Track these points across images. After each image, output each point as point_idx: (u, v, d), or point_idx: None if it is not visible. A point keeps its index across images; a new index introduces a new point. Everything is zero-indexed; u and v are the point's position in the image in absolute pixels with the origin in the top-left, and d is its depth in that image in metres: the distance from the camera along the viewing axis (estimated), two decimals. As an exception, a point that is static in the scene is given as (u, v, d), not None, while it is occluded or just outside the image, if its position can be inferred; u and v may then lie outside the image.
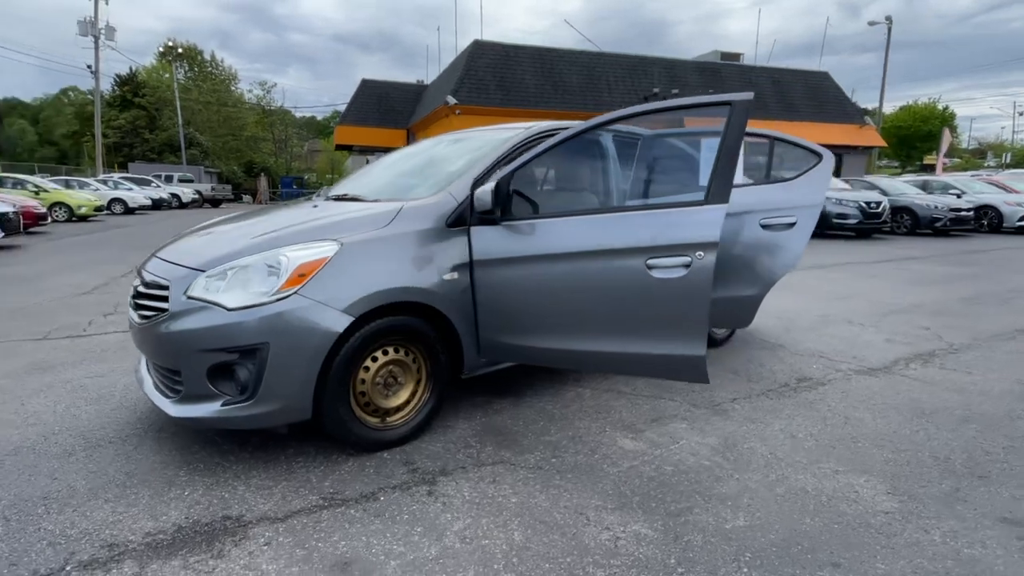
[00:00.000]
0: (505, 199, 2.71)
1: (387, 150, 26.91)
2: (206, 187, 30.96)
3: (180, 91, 36.93)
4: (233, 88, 45.43)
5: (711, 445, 2.69)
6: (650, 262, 2.51)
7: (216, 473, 2.38)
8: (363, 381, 2.53)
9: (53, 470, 2.39)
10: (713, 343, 4.25)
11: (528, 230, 2.69)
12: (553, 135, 2.96)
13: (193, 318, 2.29)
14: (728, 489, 2.30)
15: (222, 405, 2.29)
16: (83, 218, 17.26)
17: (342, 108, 24.03)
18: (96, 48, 27.55)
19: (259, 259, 2.35)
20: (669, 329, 2.53)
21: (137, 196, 22.16)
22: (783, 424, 2.93)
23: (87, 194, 19.15)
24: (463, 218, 2.75)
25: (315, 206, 3.10)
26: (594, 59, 17.37)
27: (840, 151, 19.95)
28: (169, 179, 29.07)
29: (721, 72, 18.99)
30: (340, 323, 2.33)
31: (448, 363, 2.76)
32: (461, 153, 3.27)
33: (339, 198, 3.32)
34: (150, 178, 26.47)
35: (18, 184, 17.36)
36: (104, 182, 23.06)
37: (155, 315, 2.42)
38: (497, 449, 2.63)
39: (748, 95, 2.54)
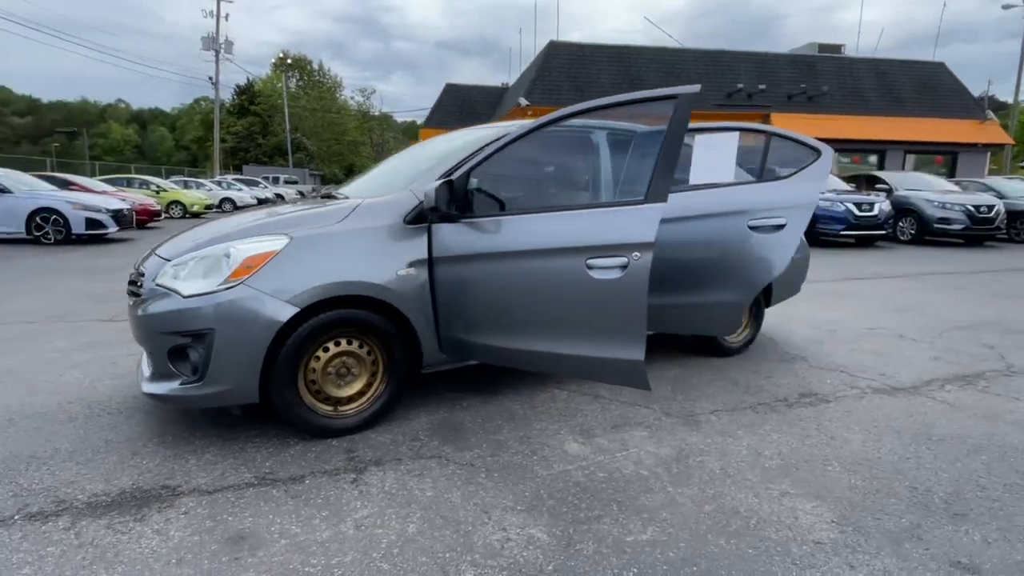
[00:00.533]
0: (463, 196, 2.75)
1: None
2: (308, 188, 33.22)
3: (289, 99, 39.87)
4: (337, 95, 48.35)
5: (661, 456, 2.56)
6: (590, 262, 2.45)
7: (178, 446, 2.60)
8: (314, 370, 2.65)
9: (50, 433, 2.72)
10: (727, 352, 4.02)
11: (480, 228, 2.71)
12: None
13: (157, 303, 2.51)
14: (652, 502, 2.19)
15: (180, 384, 2.50)
16: (196, 215, 19.11)
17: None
18: (216, 61, 30.36)
19: (214, 251, 2.54)
20: (608, 332, 2.45)
21: (244, 196, 24.17)
22: (754, 440, 2.73)
23: (200, 194, 21.19)
24: (425, 215, 2.80)
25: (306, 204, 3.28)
26: (675, 56, 16.80)
27: (955, 149, 17.96)
28: (276, 180, 31.51)
29: (816, 65, 17.69)
30: (284, 313, 2.46)
31: (405, 357, 2.82)
32: (441, 152, 3.32)
33: (327, 196, 3.48)
34: (259, 179, 28.81)
35: (143, 184, 19.57)
36: (218, 183, 25.41)
37: (134, 300, 2.67)
38: (441, 444, 2.66)
39: (694, 88, 2.41)
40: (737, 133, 3.29)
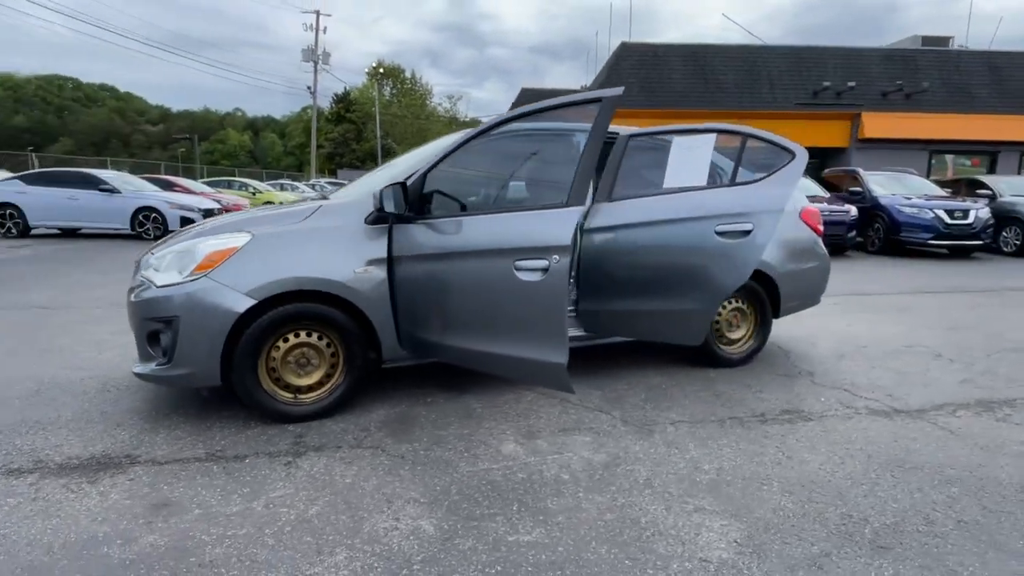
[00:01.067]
0: (417, 199, 2.85)
1: None
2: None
3: (382, 106, 41.85)
4: (427, 102, 50.14)
5: (592, 462, 2.53)
6: (517, 263, 2.48)
7: (157, 421, 2.89)
8: (274, 359, 2.85)
9: (62, 403, 3.10)
10: (726, 362, 3.85)
11: (429, 229, 2.80)
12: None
13: (140, 292, 2.81)
14: (556, 505, 2.18)
15: (155, 365, 2.78)
16: (284, 215, 20.54)
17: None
18: (315, 72, 32.45)
19: (185, 246, 2.80)
20: (534, 333, 2.47)
21: (332, 197, 25.66)
22: (700, 453, 2.62)
23: (293, 195, 22.76)
24: (386, 216, 2.92)
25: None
26: (755, 54, 15.97)
27: (1088, 150, 15.77)
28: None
29: (916, 60, 16.16)
30: (241, 304, 2.68)
31: (364, 352, 2.96)
32: (428, 155, 3.45)
33: (323, 197, 3.71)
34: (345, 182, 30.50)
35: (242, 186, 21.34)
36: (312, 186, 27.18)
37: (129, 289, 3.00)
38: (386, 436, 2.77)
39: (617, 91, 2.38)
40: (713, 135, 3.16)
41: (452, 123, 48.21)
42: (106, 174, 12.68)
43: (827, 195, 11.25)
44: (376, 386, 3.39)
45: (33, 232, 12.06)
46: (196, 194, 14.66)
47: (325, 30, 32.32)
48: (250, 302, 2.69)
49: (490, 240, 2.56)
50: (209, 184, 19.05)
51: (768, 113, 15.06)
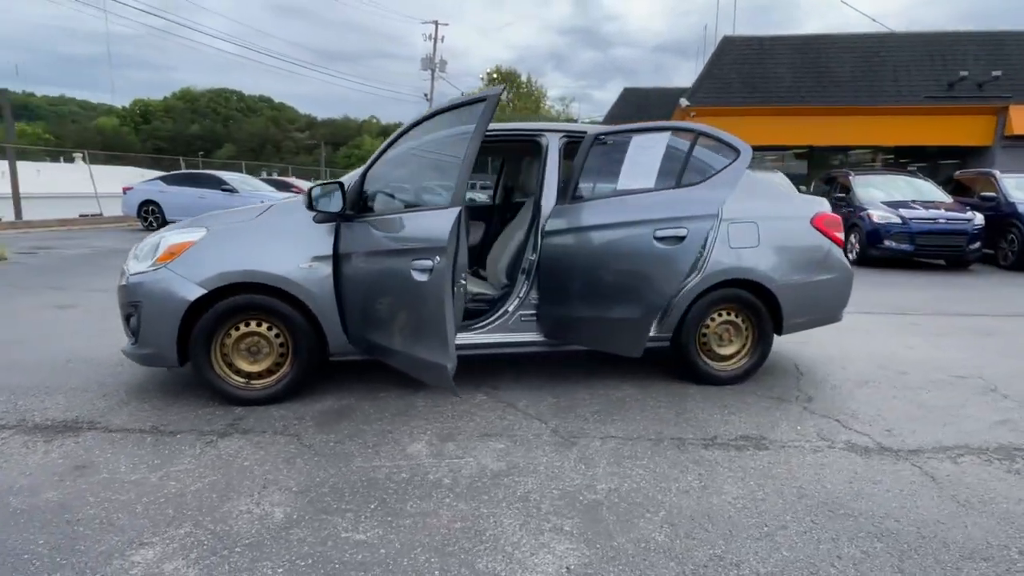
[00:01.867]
0: (356, 198, 2.95)
1: None
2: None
3: (499, 109, 42.91)
4: (542, 105, 50.60)
5: (487, 469, 2.46)
6: (412, 263, 2.48)
7: (137, 395, 3.23)
8: (226, 345, 3.08)
9: (78, 374, 3.57)
10: (713, 380, 3.54)
11: (361, 227, 2.90)
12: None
13: (121, 280, 3.17)
14: (415, 508, 2.15)
15: (130, 345, 3.12)
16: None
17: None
18: (432, 79, 34.06)
19: (153, 239, 3.11)
20: (424, 333, 2.47)
21: (439, 198, 26.84)
22: (606, 472, 2.45)
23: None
24: (334, 214, 3.05)
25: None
26: (877, 43, 14.25)
27: None
28: (473, 186, 34.25)
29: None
30: (193, 293, 2.93)
31: (310, 344, 3.11)
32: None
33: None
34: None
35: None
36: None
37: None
38: (311, 426, 2.88)
39: (497, 90, 2.29)
40: (667, 134, 2.92)
41: (565, 125, 48.07)
42: (228, 175, 14.27)
43: (947, 200, 9.87)
44: (339, 377, 3.53)
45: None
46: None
47: (443, 39, 33.80)
48: (201, 291, 2.93)
49: (393, 240, 2.59)
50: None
51: (891, 108, 13.46)
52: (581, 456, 2.60)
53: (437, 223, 2.37)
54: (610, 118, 21.67)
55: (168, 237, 3.07)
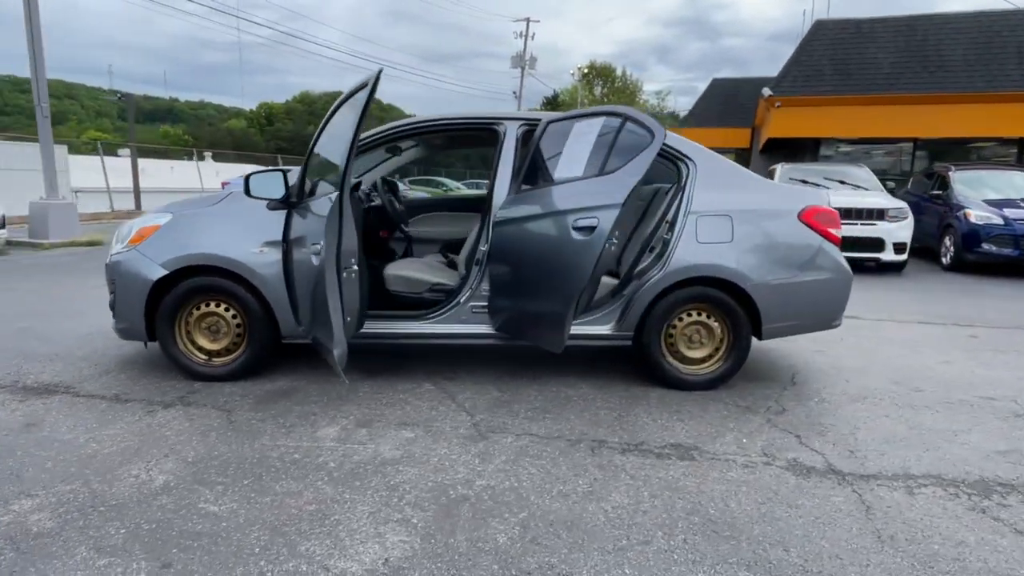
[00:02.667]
0: (299, 186, 3.04)
1: (725, 151, 25.16)
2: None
3: (591, 103, 42.44)
4: (637, 99, 49.40)
5: (379, 457, 2.45)
6: (311, 249, 2.52)
7: (123, 365, 3.53)
8: (188, 323, 3.29)
9: (89, 343, 3.96)
10: (681, 384, 3.30)
11: (294, 215, 2.98)
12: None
13: (106, 260, 3.47)
14: (282, 488, 2.19)
15: (113, 319, 3.42)
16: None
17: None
18: (521, 77, 34.28)
19: (129, 224, 3.38)
20: (316, 316, 2.51)
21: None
22: (496, 468, 2.36)
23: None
24: (284, 201, 3.16)
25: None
26: (998, 22, 12.40)
27: None
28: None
29: None
30: (155, 273, 3.15)
31: (263, 326, 3.24)
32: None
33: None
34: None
35: (440, 185, 23.72)
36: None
37: None
38: (250, 403, 3.00)
39: (375, 72, 2.23)
40: (602, 119, 2.74)
41: (659, 118, 46.56)
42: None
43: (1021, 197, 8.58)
44: (307, 360, 3.65)
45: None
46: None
47: (534, 36, 33.90)
48: (162, 272, 3.15)
49: (303, 227, 2.65)
50: (412, 183, 21.57)
51: (1015, 95, 11.77)
52: (483, 452, 2.52)
53: (321, 210, 2.40)
54: (697, 111, 20.70)
55: (138, 221, 3.33)
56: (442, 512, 2.05)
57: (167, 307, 3.20)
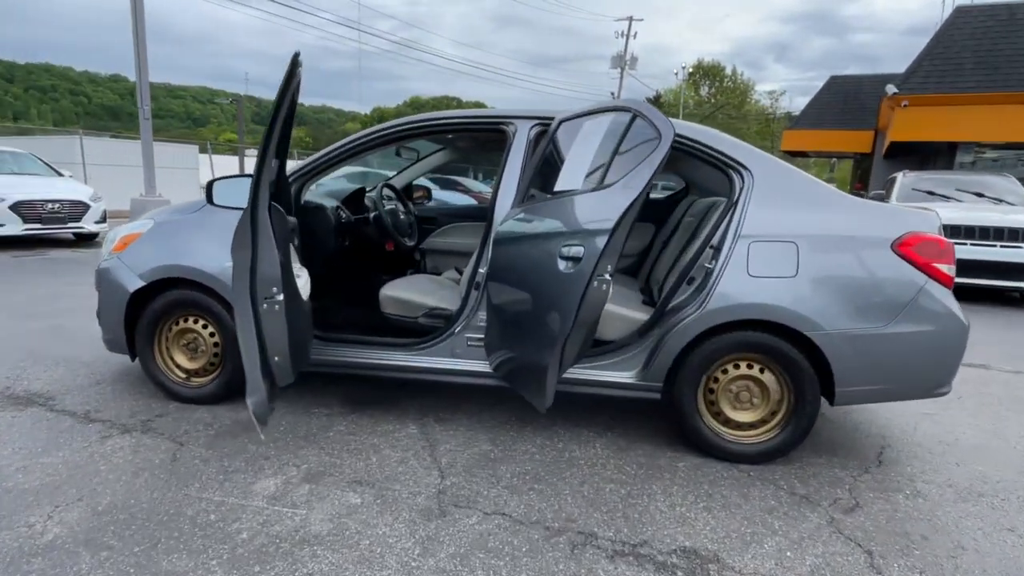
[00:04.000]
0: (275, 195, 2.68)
1: (842, 156, 22.51)
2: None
3: (696, 104, 40.54)
4: (748, 99, 46.57)
5: (300, 530, 2.00)
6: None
7: (116, 379, 3.37)
8: (167, 338, 3.04)
9: (95, 351, 3.85)
10: (728, 454, 2.61)
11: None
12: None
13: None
14: (173, 566, 1.80)
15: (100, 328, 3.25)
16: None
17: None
18: (621, 76, 33.22)
19: (116, 230, 3.18)
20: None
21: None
22: (435, 567, 1.83)
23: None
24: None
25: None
26: None
27: None
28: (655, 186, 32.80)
29: None
30: (134, 284, 2.92)
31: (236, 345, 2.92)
32: None
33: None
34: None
35: (460, 188, 23.47)
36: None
37: None
38: (210, 434, 2.68)
39: (294, 54, 1.75)
40: (609, 116, 2.11)
41: (770, 121, 43.54)
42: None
43: None
44: (311, 387, 3.31)
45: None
46: (466, 193, 16.61)
47: (636, 35, 32.72)
48: (140, 283, 2.91)
49: None
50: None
51: None
52: (431, 537, 2.00)
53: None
54: (810, 112, 18.78)
55: (124, 227, 3.13)
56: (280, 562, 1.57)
57: (146, 320, 2.97)
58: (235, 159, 23.88)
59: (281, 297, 2.10)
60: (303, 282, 2.47)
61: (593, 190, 2.11)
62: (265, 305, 2.10)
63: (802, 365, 2.49)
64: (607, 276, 1.99)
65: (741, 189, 2.54)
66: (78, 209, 8.80)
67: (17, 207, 8.11)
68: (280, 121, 2.00)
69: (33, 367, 3.48)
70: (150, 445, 2.57)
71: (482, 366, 2.77)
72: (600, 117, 2.34)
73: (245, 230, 2.06)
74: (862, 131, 17.51)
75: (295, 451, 2.56)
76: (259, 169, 2.01)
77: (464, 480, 2.37)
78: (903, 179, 8.64)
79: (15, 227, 8.12)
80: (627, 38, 32.88)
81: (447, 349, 2.81)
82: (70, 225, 8.73)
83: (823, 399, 2.56)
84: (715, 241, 2.55)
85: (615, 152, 2.12)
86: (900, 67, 14.30)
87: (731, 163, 2.58)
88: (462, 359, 2.80)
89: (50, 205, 8.45)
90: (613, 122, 2.24)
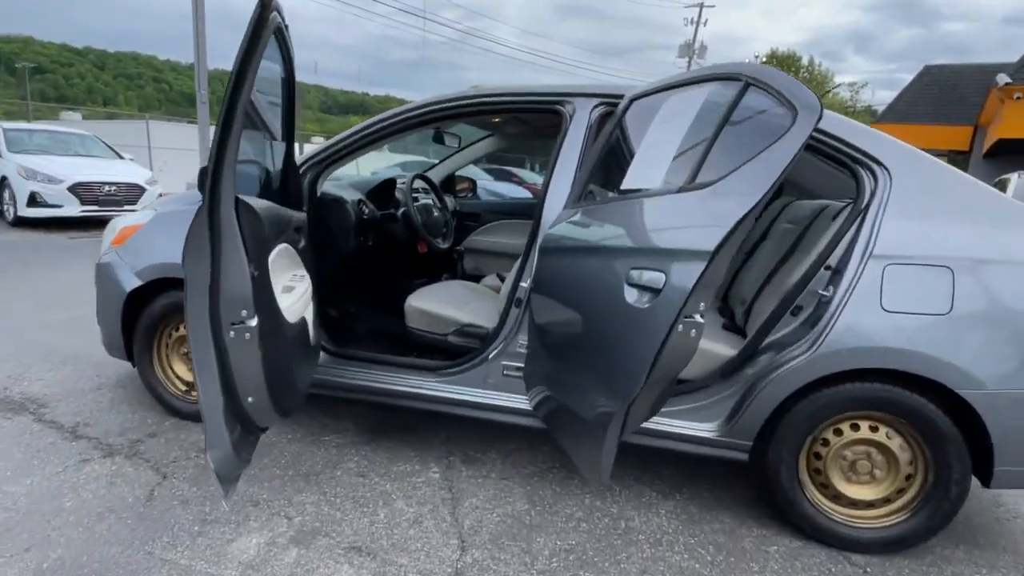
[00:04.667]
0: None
1: (933, 154, 20.48)
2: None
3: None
4: (826, 91, 43.86)
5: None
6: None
7: (120, 389, 3.03)
8: (166, 345, 2.67)
9: (99, 355, 3.57)
10: (832, 538, 2.01)
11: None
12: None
13: (100, 260, 2.97)
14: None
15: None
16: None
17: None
18: (688, 64, 31.75)
19: (115, 221, 2.82)
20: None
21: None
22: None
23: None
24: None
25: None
26: None
27: None
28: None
29: None
30: (130, 283, 2.56)
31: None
32: None
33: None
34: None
35: (511, 177, 22.78)
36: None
37: None
38: (195, 467, 2.29)
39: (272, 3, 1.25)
40: (706, 88, 1.54)
41: (850, 115, 40.64)
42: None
43: None
44: (335, 411, 2.90)
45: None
46: (520, 185, 16.10)
47: (706, 23, 31.21)
48: (137, 282, 2.55)
49: None
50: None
51: None
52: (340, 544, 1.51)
53: None
54: (899, 105, 17.14)
55: (123, 218, 2.77)
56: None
57: (143, 325, 2.61)
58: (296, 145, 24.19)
59: (254, 323, 1.63)
60: (297, 295, 2.01)
61: (680, 191, 1.53)
62: (232, 333, 1.64)
63: (947, 432, 1.85)
64: (698, 318, 1.41)
65: (874, 192, 1.90)
66: (134, 192, 8.81)
67: (75, 188, 8.16)
68: (247, 83, 1.52)
69: (39, 365, 3.22)
70: (129, 476, 2.19)
71: (520, 402, 2.26)
72: (691, 91, 1.76)
73: (201, 234, 1.61)
74: (959, 126, 15.84)
75: (292, 495, 2.13)
76: (219, 151, 1.54)
77: (489, 556, 1.86)
78: (1018, 181, 7.55)
79: (73, 208, 8.18)
80: (696, 25, 31.38)
81: (479, 377, 2.31)
82: (125, 207, 8.73)
83: (975, 479, 1.91)
84: (834, 261, 1.92)
85: (715, 138, 1.53)
86: (997, 58, 12.73)
87: (859, 157, 1.94)
88: (495, 391, 2.30)
89: (107, 187, 8.48)
90: (711, 97, 1.65)
